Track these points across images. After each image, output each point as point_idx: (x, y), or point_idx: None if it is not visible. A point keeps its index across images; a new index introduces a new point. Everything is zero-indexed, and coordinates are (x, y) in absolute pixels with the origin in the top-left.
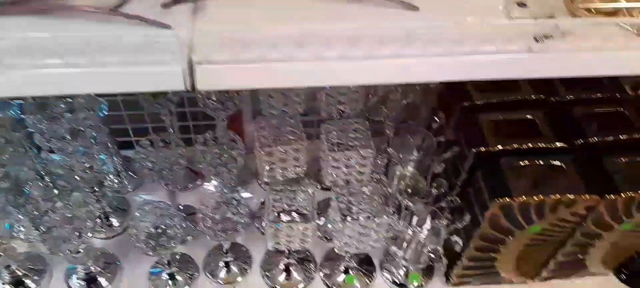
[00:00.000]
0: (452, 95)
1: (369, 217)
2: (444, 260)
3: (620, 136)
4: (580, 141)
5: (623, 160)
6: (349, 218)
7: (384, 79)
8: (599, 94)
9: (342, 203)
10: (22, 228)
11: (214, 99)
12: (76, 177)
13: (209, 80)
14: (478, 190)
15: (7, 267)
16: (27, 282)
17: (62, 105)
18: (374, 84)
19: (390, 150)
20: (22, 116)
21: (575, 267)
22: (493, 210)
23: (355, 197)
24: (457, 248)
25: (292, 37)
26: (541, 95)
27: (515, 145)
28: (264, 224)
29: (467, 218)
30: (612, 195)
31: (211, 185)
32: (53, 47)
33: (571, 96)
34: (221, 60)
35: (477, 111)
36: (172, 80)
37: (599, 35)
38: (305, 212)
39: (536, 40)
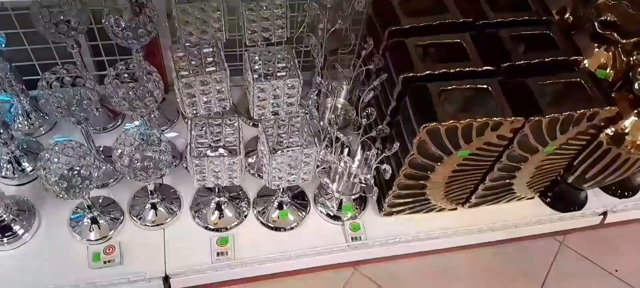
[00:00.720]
0: (380, 21)
1: (298, 148)
2: (376, 190)
3: (545, 59)
4: (506, 64)
5: (548, 82)
6: (278, 152)
7: None
8: (525, 17)
9: (271, 136)
10: None
11: (123, 25)
12: None
13: None
14: (406, 117)
15: None
16: None
17: None
18: None
19: (319, 80)
20: None
21: (503, 191)
22: (421, 137)
23: (284, 129)
24: (387, 176)
25: None
26: (468, 19)
27: (443, 70)
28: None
29: (396, 146)
30: (536, 117)
31: (133, 125)
32: None
33: (498, 19)
34: None
35: (405, 35)
36: None
37: None
38: (232, 147)
39: None
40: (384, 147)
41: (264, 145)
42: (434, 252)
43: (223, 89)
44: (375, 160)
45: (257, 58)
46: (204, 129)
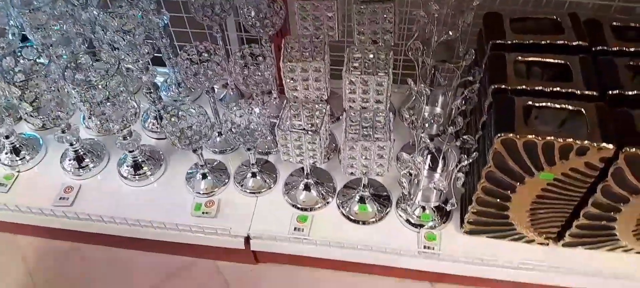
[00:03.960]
0: (487, 34)
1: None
2: (452, 201)
3: None
4: (614, 92)
5: None
6: (354, 140)
7: None
8: None
9: (354, 126)
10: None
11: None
12: None
13: None
14: (489, 128)
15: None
16: (87, 160)
17: None
18: None
19: (411, 84)
20: None
21: (603, 236)
22: (496, 148)
23: (369, 123)
24: (459, 183)
25: None
26: (584, 42)
27: (538, 87)
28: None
29: (475, 155)
30: (632, 149)
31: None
32: None
33: (619, 47)
34: None
35: (509, 51)
36: None
37: None
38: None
39: None
40: (467, 156)
41: (344, 132)
42: (516, 285)
43: (321, 78)
44: (455, 169)
45: (357, 56)
46: (298, 111)
